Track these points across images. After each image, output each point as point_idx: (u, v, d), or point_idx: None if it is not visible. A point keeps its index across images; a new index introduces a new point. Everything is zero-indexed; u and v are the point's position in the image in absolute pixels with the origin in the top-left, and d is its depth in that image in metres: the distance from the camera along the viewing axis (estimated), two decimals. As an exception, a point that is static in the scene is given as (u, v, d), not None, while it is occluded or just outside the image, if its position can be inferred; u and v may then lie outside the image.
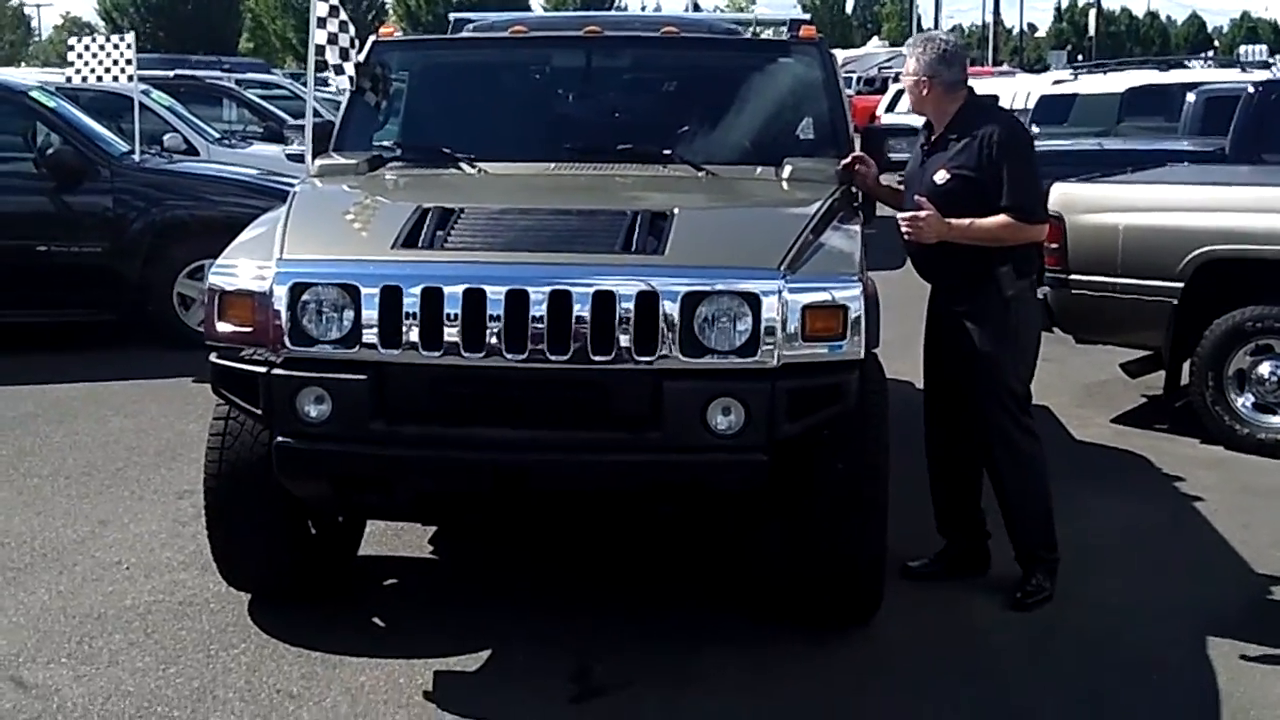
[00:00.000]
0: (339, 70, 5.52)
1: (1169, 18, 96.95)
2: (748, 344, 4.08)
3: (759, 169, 5.27)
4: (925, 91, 4.88)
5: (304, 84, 20.85)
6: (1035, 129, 16.05)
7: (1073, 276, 7.66)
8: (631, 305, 4.05)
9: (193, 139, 12.32)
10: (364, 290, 4.13)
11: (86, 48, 10.83)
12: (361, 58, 5.63)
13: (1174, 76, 16.43)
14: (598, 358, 4.05)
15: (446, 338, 4.08)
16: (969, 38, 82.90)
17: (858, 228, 4.68)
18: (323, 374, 4.17)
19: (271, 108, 15.90)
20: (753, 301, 4.08)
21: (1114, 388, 8.41)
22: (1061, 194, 7.75)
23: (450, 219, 4.44)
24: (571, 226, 4.45)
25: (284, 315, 4.18)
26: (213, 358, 4.44)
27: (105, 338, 9.39)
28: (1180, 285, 7.17)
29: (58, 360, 8.89)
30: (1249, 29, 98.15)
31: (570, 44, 5.76)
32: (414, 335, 4.09)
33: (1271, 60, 16.64)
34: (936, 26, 48.86)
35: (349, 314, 4.16)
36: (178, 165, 10.40)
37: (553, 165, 5.25)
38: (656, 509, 4.33)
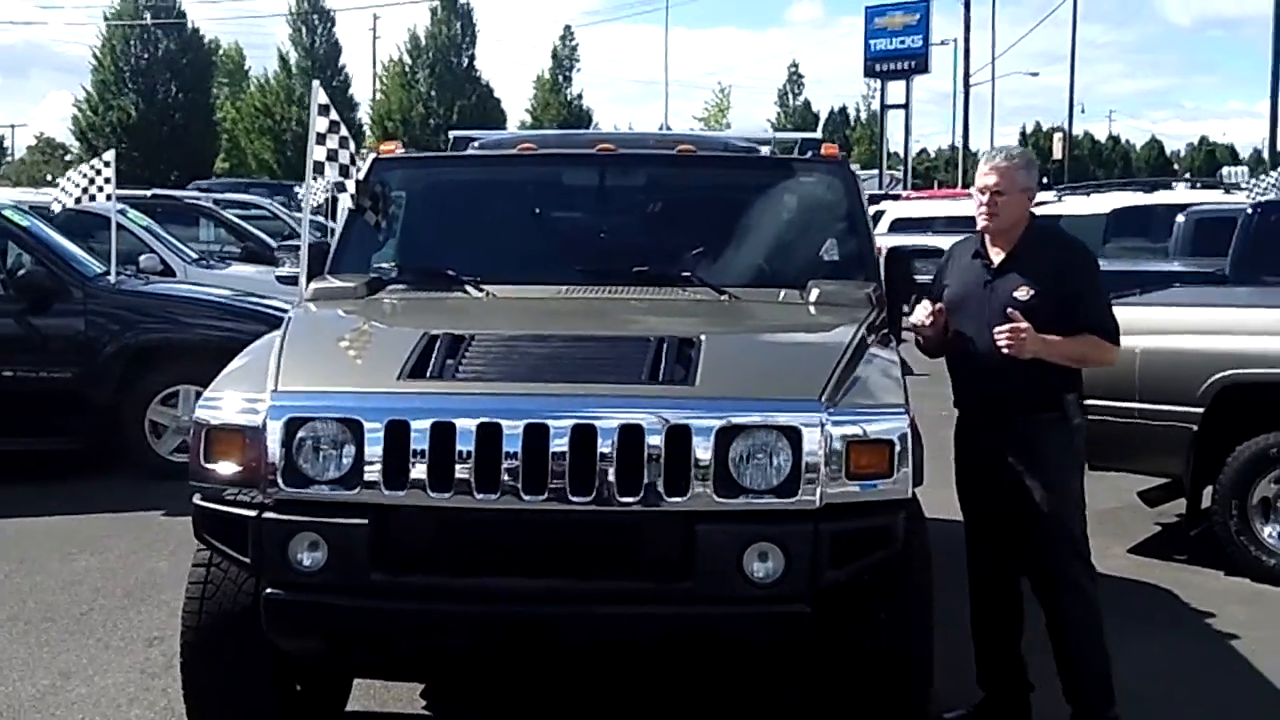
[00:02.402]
0: (340, 188, 5.20)
1: (1128, 141, 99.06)
2: (787, 482, 3.73)
3: (782, 292, 4.96)
4: (1011, 205, 4.54)
5: (283, 203, 20.80)
6: (1020, 250, 16.00)
7: (1088, 402, 7.37)
8: (661, 440, 3.69)
9: (169, 259, 11.99)
10: (367, 425, 3.77)
11: (69, 178, 10.58)
12: (361, 175, 5.32)
13: (1159, 198, 16.44)
14: (624, 499, 3.69)
15: (458, 477, 3.71)
16: (935, 160, 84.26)
17: (896, 356, 4.35)
18: (318, 518, 3.80)
19: (250, 228, 15.64)
20: (792, 436, 3.73)
21: (1126, 515, 8.08)
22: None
23: (460, 347, 4.09)
24: (592, 355, 4.12)
25: (277, 452, 3.81)
26: (196, 499, 4.04)
27: (72, 468, 8.93)
28: (1201, 410, 6.88)
29: (19, 492, 8.38)
30: (1207, 152, 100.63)
31: (583, 161, 5.48)
32: (421, 474, 3.73)
33: (1246, 184, 16.68)
34: (906, 149, 49.43)
35: (349, 451, 3.79)
36: (153, 286, 10.08)
37: (564, 289, 4.93)
38: (687, 665, 3.92)
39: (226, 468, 3.95)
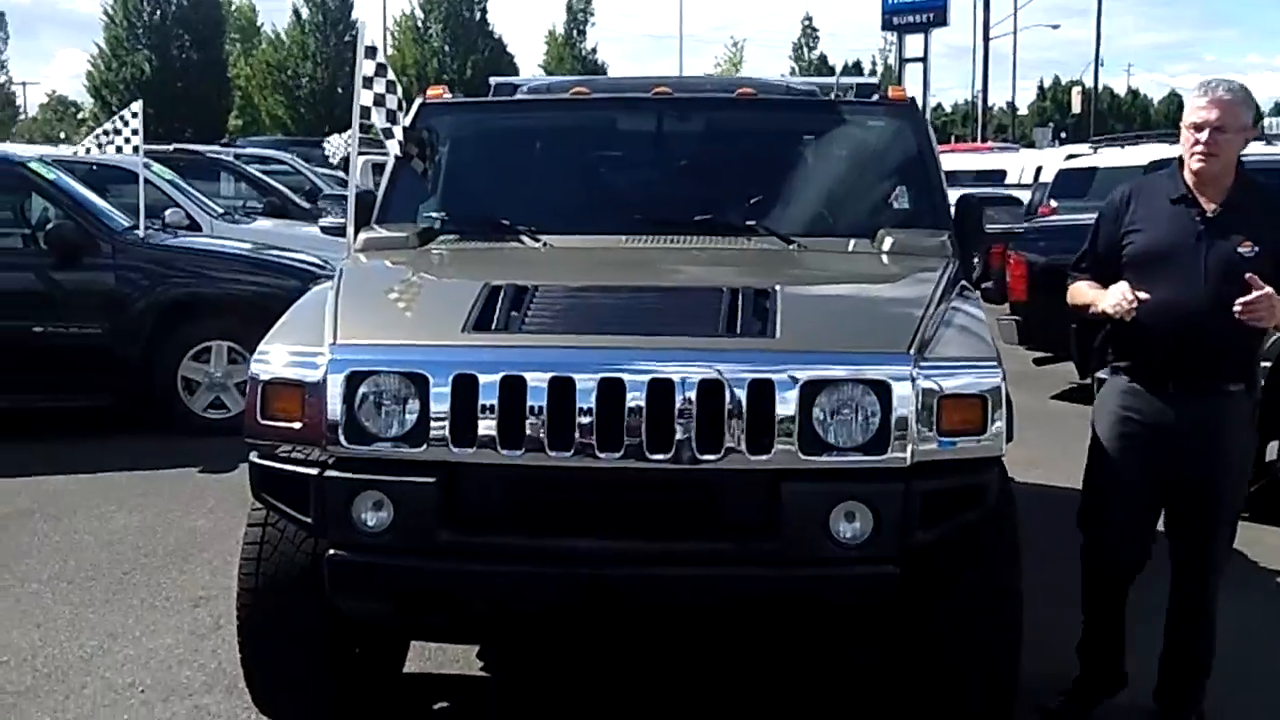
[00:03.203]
0: (387, 134, 4.99)
1: (1145, 95, 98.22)
2: (876, 439, 3.56)
3: (852, 242, 4.76)
4: (1231, 145, 4.01)
5: (301, 157, 20.51)
6: (1054, 203, 15.75)
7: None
8: (743, 395, 3.52)
9: (195, 213, 11.81)
10: (433, 380, 3.60)
11: (101, 129, 10.39)
12: (408, 121, 5.11)
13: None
14: (704, 456, 3.52)
15: (529, 434, 3.54)
16: (951, 115, 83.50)
17: (981, 308, 4.16)
18: (383, 476, 3.63)
19: (273, 183, 15.43)
20: (881, 391, 3.55)
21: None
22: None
23: (525, 298, 3.92)
24: (664, 306, 3.94)
25: (339, 408, 3.64)
26: (253, 458, 3.88)
27: (105, 425, 8.80)
28: (1268, 365, 6.69)
29: (55, 450, 8.28)
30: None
31: (639, 106, 5.26)
32: (491, 431, 3.55)
33: None
34: (924, 104, 48.85)
35: (414, 407, 3.63)
36: (182, 240, 9.89)
37: (623, 239, 4.73)
38: (766, 629, 3.77)
39: (284, 424, 3.78)
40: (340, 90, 52.52)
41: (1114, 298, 4.02)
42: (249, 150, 20.07)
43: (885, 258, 4.60)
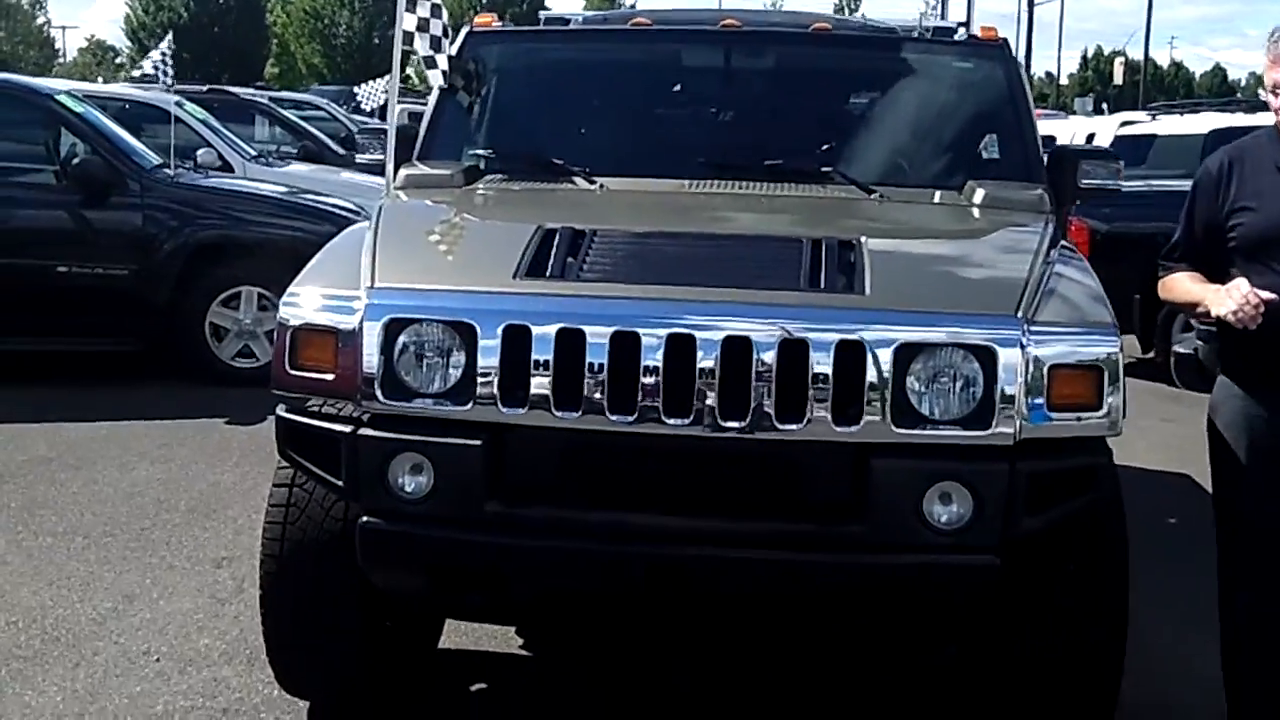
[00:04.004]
0: (429, 64, 4.59)
1: (1188, 68, 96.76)
2: (978, 412, 3.15)
3: (938, 193, 4.33)
4: None
5: (338, 103, 20.15)
6: (1112, 170, 15.19)
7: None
8: (829, 358, 3.12)
9: (228, 155, 11.44)
10: (481, 330, 3.21)
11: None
12: (454, 51, 4.70)
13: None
14: (784, 425, 3.13)
15: (588, 394, 3.16)
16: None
17: (1089, 270, 3.73)
18: (423, 436, 3.26)
19: (309, 127, 15.04)
20: (986, 357, 3.15)
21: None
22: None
23: (583, 243, 3.52)
24: (738, 256, 3.54)
25: (375, 359, 3.27)
26: (280, 411, 3.51)
27: (129, 370, 8.51)
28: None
29: (75, 395, 7.96)
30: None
31: (706, 39, 4.82)
32: (544, 390, 3.17)
33: None
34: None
35: (459, 360, 3.25)
36: (213, 181, 9.53)
37: (686, 183, 4.32)
38: (846, 620, 3.38)
39: (315, 375, 3.41)
40: (377, 41, 52.15)
41: (1233, 302, 3.30)
42: (284, 94, 19.67)
43: (976, 211, 4.17)
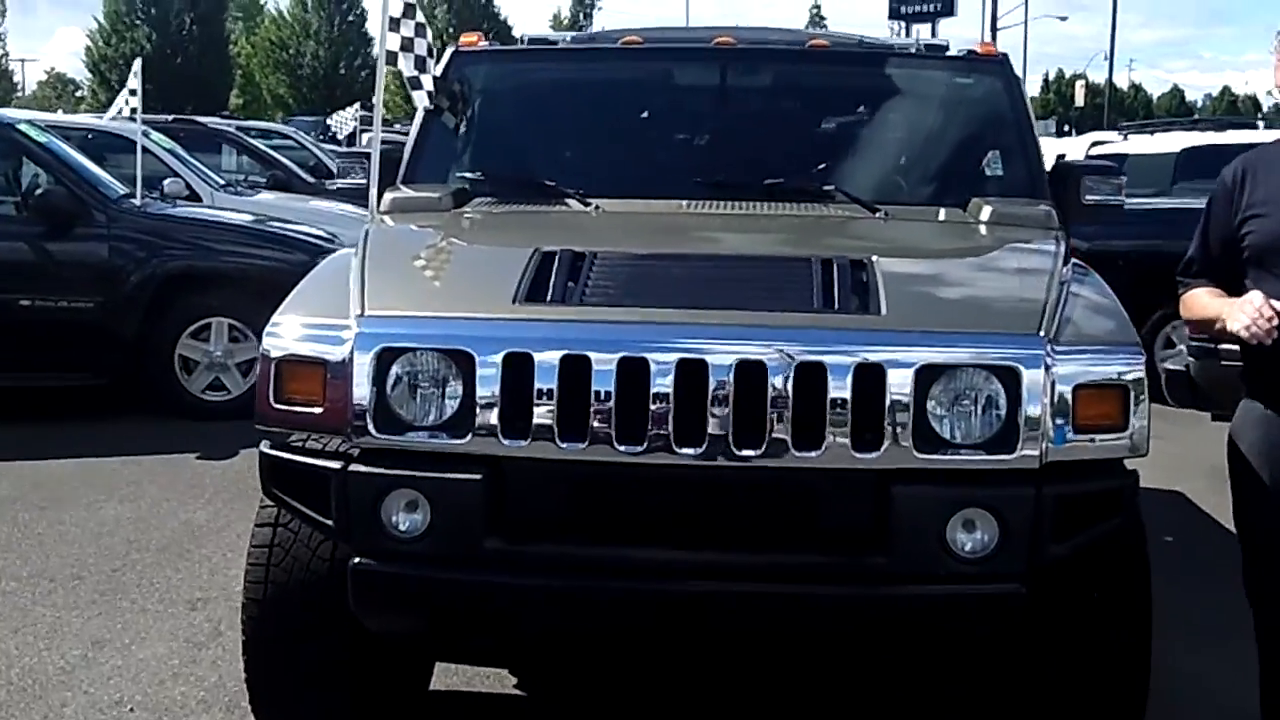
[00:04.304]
0: (414, 84, 4.43)
1: (1145, 90, 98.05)
2: (1001, 435, 3.02)
3: (942, 211, 4.20)
4: None
5: (310, 133, 19.96)
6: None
7: (1224, 346, 6.66)
8: (847, 382, 2.96)
9: (195, 184, 11.22)
10: (480, 358, 3.05)
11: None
12: (439, 71, 4.54)
13: (1232, 137, 15.58)
14: (802, 453, 2.97)
15: (594, 424, 2.99)
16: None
17: (1107, 287, 3.60)
18: (419, 472, 3.08)
19: (277, 155, 14.84)
20: (1009, 378, 3.01)
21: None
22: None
23: (583, 266, 3.36)
24: (746, 277, 3.39)
25: (367, 391, 3.09)
26: (264, 448, 3.32)
27: (96, 406, 8.25)
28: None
29: (41, 432, 7.72)
30: (1229, 103, 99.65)
31: (700, 57, 4.68)
32: (548, 420, 3.01)
33: None
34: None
35: (456, 390, 3.08)
36: (181, 210, 9.33)
37: (683, 204, 4.17)
38: (864, 653, 3.23)
39: (302, 409, 3.23)
40: (343, 71, 51.99)
41: (1245, 316, 3.12)
42: (251, 123, 19.46)
43: (983, 228, 4.03)
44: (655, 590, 3.03)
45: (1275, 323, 3.10)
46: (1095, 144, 17.33)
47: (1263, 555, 3.41)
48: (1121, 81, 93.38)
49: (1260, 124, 19.09)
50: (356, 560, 3.14)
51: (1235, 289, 3.37)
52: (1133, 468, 3.22)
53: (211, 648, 4.57)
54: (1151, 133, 17.09)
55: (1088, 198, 4.42)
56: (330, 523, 3.17)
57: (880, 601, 3.03)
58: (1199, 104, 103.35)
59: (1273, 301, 3.13)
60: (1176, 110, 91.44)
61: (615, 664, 3.72)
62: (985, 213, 4.05)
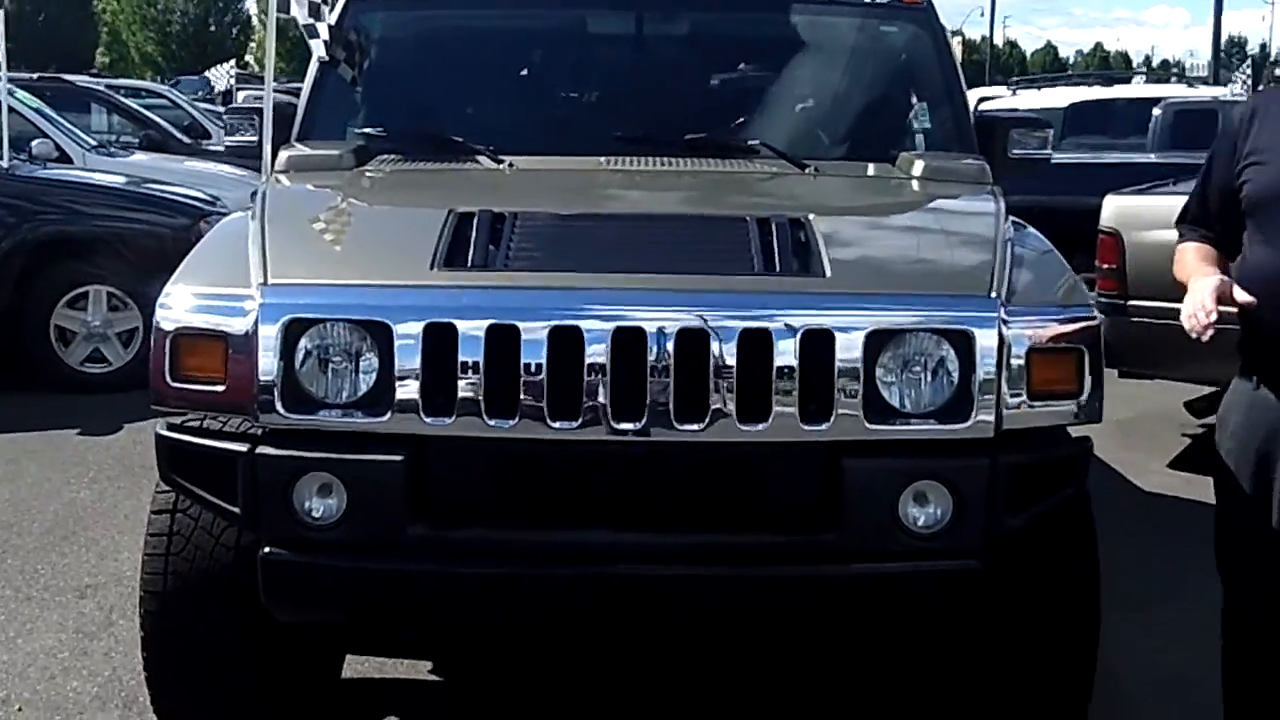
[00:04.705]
0: (310, 32, 4.13)
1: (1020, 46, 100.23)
2: (955, 402, 2.89)
3: (870, 166, 4.04)
4: None
5: (194, 93, 19.19)
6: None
7: (1133, 303, 6.68)
8: (794, 349, 2.80)
9: (66, 145, 10.67)
10: (398, 329, 2.83)
11: None
12: (334, 19, 4.25)
13: (1117, 92, 15.78)
14: (746, 426, 2.81)
15: (524, 399, 2.79)
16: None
17: (1051, 246, 3.48)
18: (333, 454, 2.87)
19: (151, 115, 14.22)
20: (961, 342, 2.88)
21: (1150, 425, 7.43)
22: (1118, 208, 6.79)
23: (503, 228, 3.14)
24: (680, 238, 3.19)
25: (274, 366, 2.87)
26: (160, 429, 3.06)
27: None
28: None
29: (-93, 409, 7.25)
30: (1101, 59, 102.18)
31: (615, 3, 4.44)
32: (475, 394, 2.80)
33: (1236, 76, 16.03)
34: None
35: (372, 364, 2.87)
36: (53, 173, 8.87)
37: (603, 160, 3.95)
38: (816, 634, 3.09)
39: (202, 387, 3.00)
40: (213, 28, 50.51)
41: (1188, 305, 2.88)
42: (122, 81, 18.69)
43: (916, 184, 3.88)
44: (593, 575, 2.85)
45: (1210, 320, 2.82)
46: (983, 99, 17.42)
47: (1241, 539, 3.12)
48: (997, 38, 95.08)
49: (1138, 79, 19.33)
50: (267, 550, 2.92)
51: (1234, 242, 3.09)
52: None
53: (104, 638, 4.29)
54: (1039, 88, 17.24)
55: (1014, 151, 4.29)
56: (237, 510, 2.93)
57: (831, 581, 2.89)
58: (1071, 60, 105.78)
59: (1239, 292, 2.85)
60: (1051, 66, 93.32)
61: (548, 655, 3.54)
62: (917, 168, 3.89)
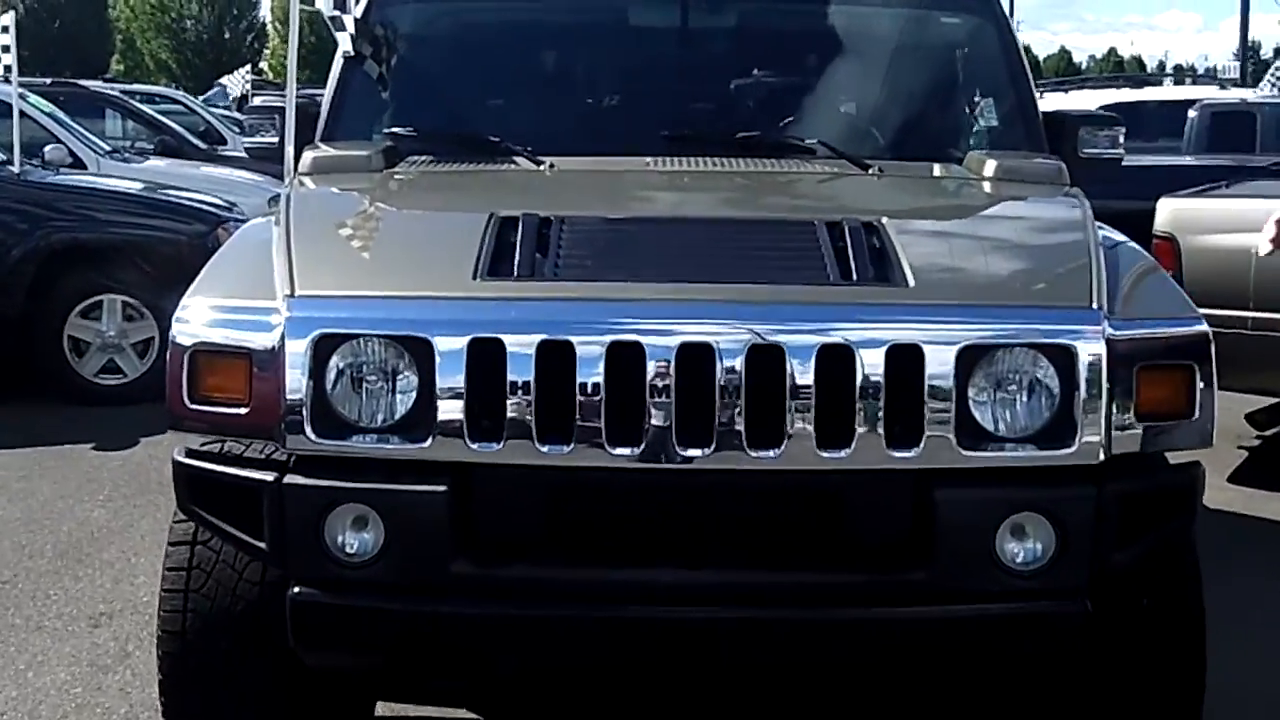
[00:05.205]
0: (337, 24, 3.87)
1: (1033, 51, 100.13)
2: (1054, 425, 2.61)
3: (936, 166, 3.77)
4: None
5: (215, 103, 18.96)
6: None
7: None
8: (880, 367, 2.53)
9: (79, 151, 10.50)
10: (439, 345, 2.57)
11: None
12: (360, 11, 3.99)
13: (1148, 94, 15.53)
14: (827, 453, 2.53)
15: (581, 422, 2.52)
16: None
17: (1146, 253, 3.21)
18: (368, 483, 2.61)
19: (166, 120, 14.05)
20: (1062, 358, 2.60)
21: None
22: (1175, 210, 6.53)
23: (550, 234, 2.87)
24: (745, 245, 2.92)
25: (303, 386, 2.61)
26: (178, 455, 2.80)
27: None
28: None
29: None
30: (1115, 63, 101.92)
31: None
32: (525, 417, 2.53)
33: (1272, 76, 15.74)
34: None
35: (411, 384, 2.61)
36: (65, 179, 8.69)
37: (649, 160, 3.68)
38: (905, 684, 2.81)
39: (223, 409, 2.74)
40: (227, 35, 50.46)
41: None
42: (137, 87, 18.56)
43: (989, 185, 3.60)
44: (657, 619, 2.58)
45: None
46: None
47: None
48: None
49: (1168, 80, 19.07)
50: (296, 589, 2.65)
51: None
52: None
53: (119, 671, 4.04)
54: (1066, 90, 16.99)
55: (1085, 150, 4.01)
56: (263, 545, 2.67)
57: (921, 625, 2.61)
58: (1084, 65, 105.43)
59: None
60: (1065, 71, 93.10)
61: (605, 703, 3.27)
62: (989, 168, 3.61)
